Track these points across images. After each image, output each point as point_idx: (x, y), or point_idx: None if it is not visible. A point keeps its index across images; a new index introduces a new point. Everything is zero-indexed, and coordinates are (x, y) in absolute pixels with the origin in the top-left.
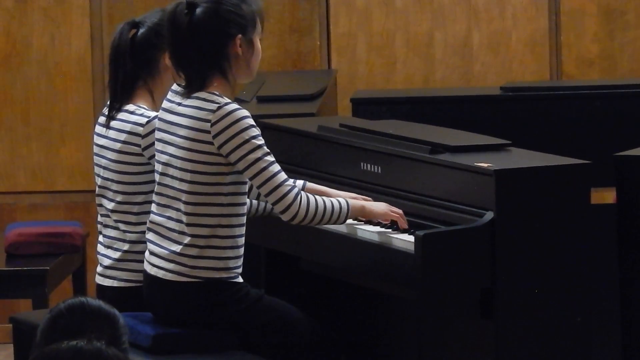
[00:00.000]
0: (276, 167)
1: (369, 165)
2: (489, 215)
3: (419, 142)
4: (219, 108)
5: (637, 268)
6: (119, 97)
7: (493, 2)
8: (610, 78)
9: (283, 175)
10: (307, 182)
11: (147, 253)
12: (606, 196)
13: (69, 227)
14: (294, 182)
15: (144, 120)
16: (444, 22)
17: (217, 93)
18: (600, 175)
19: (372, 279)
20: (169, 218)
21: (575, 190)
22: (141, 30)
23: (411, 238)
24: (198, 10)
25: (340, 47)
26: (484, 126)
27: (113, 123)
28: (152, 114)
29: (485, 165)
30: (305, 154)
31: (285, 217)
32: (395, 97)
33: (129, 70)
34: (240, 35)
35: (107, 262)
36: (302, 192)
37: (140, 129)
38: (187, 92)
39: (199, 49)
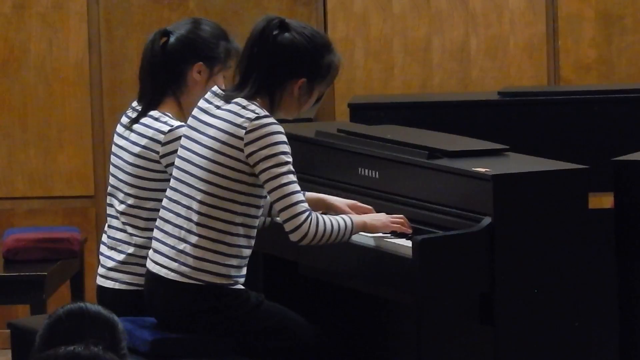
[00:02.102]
0: (296, 186)
1: (366, 171)
2: (487, 220)
3: (417, 147)
4: (257, 118)
5: (635, 273)
6: (149, 104)
7: (490, 7)
8: (608, 83)
9: (300, 196)
10: (306, 192)
11: (150, 251)
12: (604, 201)
13: (67, 233)
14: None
15: (166, 128)
16: (441, 27)
17: (257, 104)
18: (598, 180)
19: (371, 284)
20: (178, 215)
21: (573, 195)
22: (171, 41)
23: (409, 243)
24: (286, 35)
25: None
26: (481, 131)
27: (135, 127)
28: (176, 123)
29: (483, 170)
30: (302, 159)
31: (293, 237)
32: (393, 102)
33: (162, 80)
34: (304, 80)
35: (110, 263)
36: (312, 214)
37: (161, 137)
38: (230, 96)
39: (266, 69)
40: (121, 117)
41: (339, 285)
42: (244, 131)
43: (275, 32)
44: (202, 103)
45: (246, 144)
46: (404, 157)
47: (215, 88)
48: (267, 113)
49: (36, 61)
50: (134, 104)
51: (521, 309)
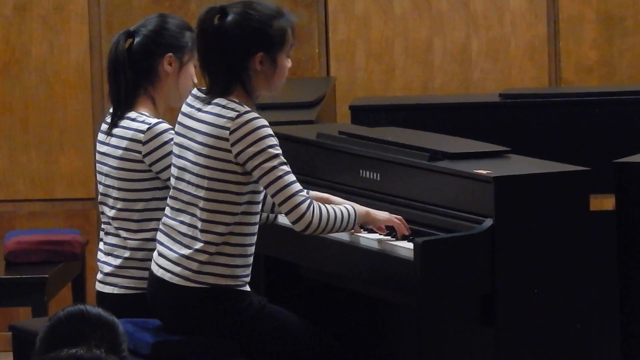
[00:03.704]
0: (291, 177)
1: (368, 173)
2: (488, 222)
3: (418, 149)
4: (238, 116)
5: (637, 274)
6: (121, 107)
7: (492, 9)
8: (609, 84)
9: (298, 186)
10: (310, 190)
11: (155, 254)
12: (605, 203)
13: (68, 235)
14: (308, 193)
15: (145, 127)
16: (442, 29)
17: (237, 101)
18: (600, 182)
19: (372, 286)
20: (182, 222)
21: (575, 197)
22: (137, 40)
23: (410, 245)
24: (227, 19)
25: (339, 54)
26: (483, 133)
27: (115, 130)
28: (154, 120)
29: (484, 172)
30: (304, 162)
31: (297, 227)
32: (394, 104)
33: (129, 80)
34: (261, 53)
35: (107, 269)
36: (314, 202)
37: (141, 136)
38: (208, 98)
39: (222, 58)
40: (101, 125)
41: (341, 288)
42: (227, 132)
43: (216, 22)
44: (184, 108)
45: (232, 144)
46: (405, 159)
47: (195, 91)
48: (247, 109)
49: (37, 63)
50: (112, 110)
51: (522, 311)
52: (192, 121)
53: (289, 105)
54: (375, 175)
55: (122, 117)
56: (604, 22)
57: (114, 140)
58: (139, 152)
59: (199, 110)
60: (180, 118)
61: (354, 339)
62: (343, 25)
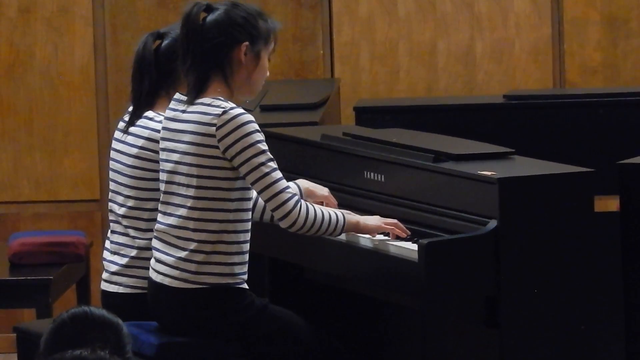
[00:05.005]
0: (278, 173)
1: (372, 174)
2: (493, 224)
3: (423, 150)
4: (224, 112)
5: None
6: (141, 106)
7: (496, 10)
8: (613, 86)
9: (284, 183)
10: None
11: (152, 260)
12: (610, 204)
13: (72, 237)
14: (294, 190)
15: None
16: (447, 30)
17: (222, 98)
18: (604, 183)
19: (376, 288)
20: (175, 225)
21: (579, 198)
22: (165, 42)
23: (414, 246)
24: (215, 13)
25: (343, 56)
26: (487, 134)
27: (132, 129)
28: None
29: (488, 173)
30: (308, 163)
31: (283, 224)
32: (398, 105)
33: (153, 81)
34: (247, 43)
35: (113, 268)
36: (302, 200)
37: (158, 135)
38: (191, 98)
39: (205, 48)
40: (118, 123)
41: (345, 289)
42: (214, 128)
43: (203, 16)
44: (168, 112)
45: (219, 140)
46: (409, 161)
47: (177, 95)
48: (233, 105)
49: (42, 65)
50: (130, 108)
51: (527, 312)
52: (178, 123)
53: (294, 107)
54: (379, 177)
55: (140, 116)
56: (608, 24)
57: (130, 139)
58: (156, 152)
59: (184, 111)
60: (165, 123)
61: (358, 341)
62: (347, 27)
